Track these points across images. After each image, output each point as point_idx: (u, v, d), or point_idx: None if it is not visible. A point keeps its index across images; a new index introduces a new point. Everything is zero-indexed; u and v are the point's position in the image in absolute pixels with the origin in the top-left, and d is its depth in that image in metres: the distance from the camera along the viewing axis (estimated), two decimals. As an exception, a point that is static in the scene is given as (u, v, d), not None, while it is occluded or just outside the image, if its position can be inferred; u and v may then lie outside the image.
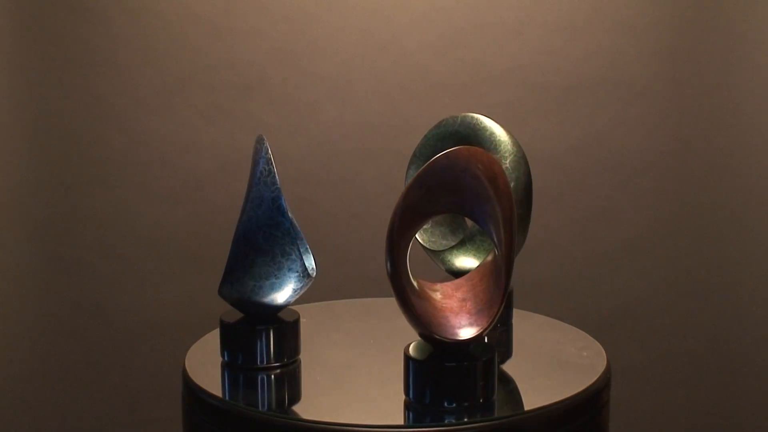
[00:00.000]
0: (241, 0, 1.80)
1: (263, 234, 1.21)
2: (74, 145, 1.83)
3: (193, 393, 1.21)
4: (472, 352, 1.14)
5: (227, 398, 1.21)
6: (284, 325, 1.27)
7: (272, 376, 1.26)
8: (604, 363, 1.28)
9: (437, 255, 1.38)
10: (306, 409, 1.18)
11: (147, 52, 1.80)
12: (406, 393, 1.14)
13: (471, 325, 1.13)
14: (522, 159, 1.34)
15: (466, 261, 1.37)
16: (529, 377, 1.30)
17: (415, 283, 1.16)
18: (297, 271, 1.22)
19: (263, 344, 1.26)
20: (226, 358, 1.28)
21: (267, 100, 1.82)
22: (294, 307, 1.33)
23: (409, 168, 1.41)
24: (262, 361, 1.26)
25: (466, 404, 1.12)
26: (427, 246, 1.40)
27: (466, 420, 1.10)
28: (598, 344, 1.36)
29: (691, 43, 1.83)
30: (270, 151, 1.22)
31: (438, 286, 1.19)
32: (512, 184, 1.31)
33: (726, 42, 1.82)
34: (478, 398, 1.12)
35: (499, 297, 1.12)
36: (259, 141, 1.23)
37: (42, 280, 1.86)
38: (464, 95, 1.83)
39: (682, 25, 1.82)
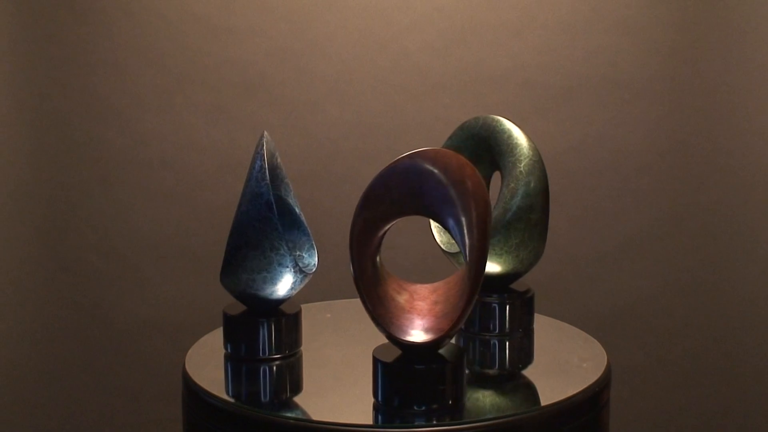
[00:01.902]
0: (241, 0, 1.80)
1: (253, 228, 1.23)
2: (74, 145, 1.83)
3: (193, 393, 1.21)
4: (444, 355, 1.13)
5: (229, 391, 1.23)
6: (283, 318, 1.28)
7: (266, 369, 1.27)
8: (604, 363, 1.28)
9: (455, 257, 1.37)
10: (287, 407, 1.18)
11: (147, 52, 1.81)
12: (375, 395, 1.14)
13: (433, 328, 1.12)
14: (538, 164, 1.32)
15: (491, 265, 1.35)
16: (529, 377, 1.30)
17: (388, 284, 1.16)
18: (287, 266, 1.24)
19: (262, 336, 1.28)
20: (228, 350, 1.29)
21: (267, 100, 1.82)
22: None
23: None
24: (262, 353, 1.28)
25: (435, 407, 1.11)
26: (445, 248, 1.39)
27: (434, 422, 1.10)
28: (598, 344, 1.36)
29: (690, 43, 1.83)
30: (265, 148, 1.24)
31: (416, 287, 1.19)
32: (529, 187, 1.30)
33: (726, 42, 1.82)
34: (446, 401, 1.12)
35: (462, 303, 1.11)
36: (260, 137, 1.25)
37: (42, 280, 1.86)
38: (464, 95, 1.83)
39: (681, 24, 1.82)
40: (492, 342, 1.36)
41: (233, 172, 1.81)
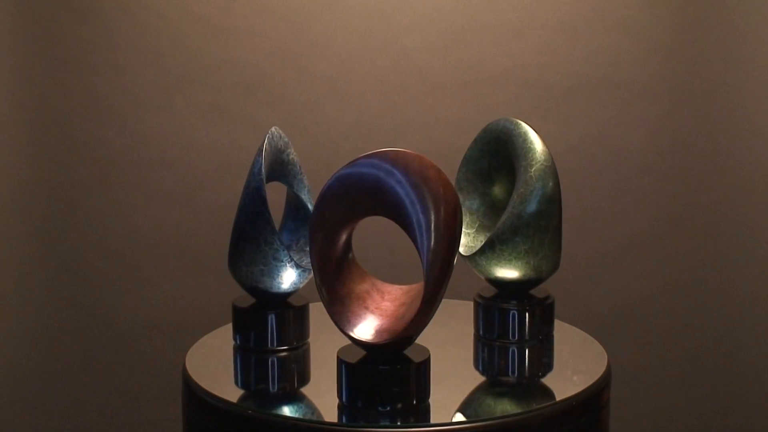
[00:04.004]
0: (241, 0, 1.80)
1: (249, 223, 1.26)
2: (74, 145, 1.83)
3: (193, 393, 1.21)
4: (409, 356, 1.13)
5: (238, 382, 1.25)
6: (290, 311, 1.31)
7: (270, 362, 1.30)
8: (604, 363, 1.28)
9: (472, 261, 1.35)
10: (283, 406, 1.19)
11: (147, 52, 1.81)
12: (339, 396, 1.14)
13: (387, 330, 1.12)
14: (549, 170, 1.30)
15: (497, 270, 1.34)
16: (530, 378, 1.30)
17: (357, 282, 1.16)
18: (282, 261, 1.26)
19: (269, 327, 1.30)
20: (237, 342, 1.32)
21: (267, 100, 1.82)
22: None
23: (459, 171, 1.40)
24: (269, 344, 1.31)
25: (399, 406, 1.11)
26: (463, 252, 1.37)
27: (399, 423, 1.10)
28: (598, 344, 1.36)
29: (690, 43, 1.83)
30: (265, 144, 1.27)
31: (392, 288, 1.19)
32: (538, 194, 1.28)
33: (726, 42, 1.82)
34: (411, 401, 1.12)
35: (415, 307, 1.10)
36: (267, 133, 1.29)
37: (42, 280, 1.86)
38: (464, 95, 1.83)
39: (681, 24, 1.82)
40: (500, 347, 1.35)
41: (233, 172, 1.81)
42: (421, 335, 1.36)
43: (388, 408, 1.11)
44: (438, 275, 1.07)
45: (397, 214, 1.10)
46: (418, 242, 1.08)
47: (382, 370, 1.11)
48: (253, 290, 1.30)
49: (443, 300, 1.56)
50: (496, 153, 1.37)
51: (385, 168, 1.08)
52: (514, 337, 1.34)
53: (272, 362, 1.30)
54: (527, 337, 1.34)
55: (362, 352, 1.14)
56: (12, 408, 1.86)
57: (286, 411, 1.17)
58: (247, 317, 1.31)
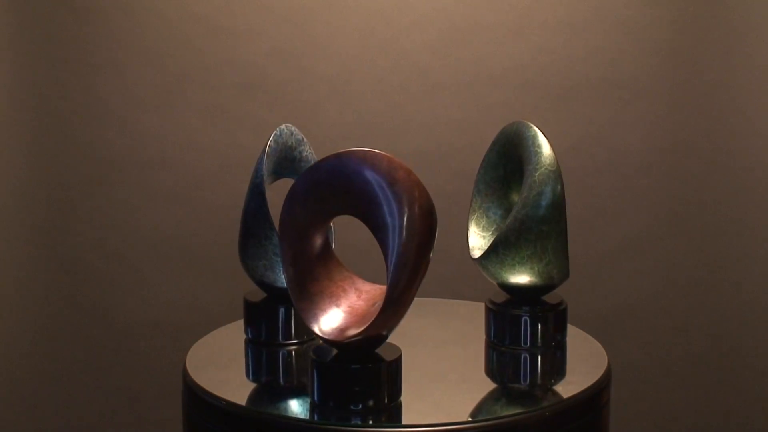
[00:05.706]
0: (241, 0, 1.80)
1: (252, 218, 1.29)
2: (74, 145, 1.83)
3: (193, 393, 1.21)
4: (380, 355, 1.13)
5: (250, 377, 1.27)
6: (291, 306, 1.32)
7: (273, 356, 1.32)
8: (604, 363, 1.28)
9: (481, 265, 1.33)
10: (284, 405, 1.19)
11: (147, 52, 1.81)
12: (311, 394, 1.14)
13: (351, 328, 1.12)
14: (553, 174, 1.28)
15: (504, 275, 1.32)
16: (530, 378, 1.30)
17: (334, 280, 1.16)
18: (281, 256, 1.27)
19: (276, 322, 1.32)
20: (248, 335, 1.35)
21: (267, 100, 1.82)
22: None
23: (477, 173, 1.40)
24: (277, 338, 1.33)
25: (371, 405, 1.11)
26: (473, 255, 1.36)
27: (371, 422, 1.10)
28: (598, 344, 1.36)
29: (690, 43, 1.83)
30: (270, 140, 1.30)
31: (373, 288, 1.18)
32: (541, 198, 1.27)
33: (726, 42, 1.82)
34: (382, 400, 1.12)
35: (378, 308, 1.09)
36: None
37: (42, 280, 1.86)
38: (464, 95, 1.83)
39: (681, 24, 1.82)
40: (503, 351, 1.34)
41: (233, 172, 1.82)
42: (420, 336, 1.36)
43: (360, 407, 1.11)
44: (409, 277, 1.06)
45: (368, 213, 1.09)
46: (389, 242, 1.07)
47: (351, 368, 1.11)
48: (261, 284, 1.33)
49: (453, 301, 1.58)
50: (511, 156, 1.37)
51: (354, 167, 1.08)
52: (525, 344, 1.32)
53: (281, 356, 1.32)
54: (539, 344, 1.32)
55: (335, 351, 1.14)
56: (12, 408, 1.86)
57: (271, 407, 1.17)
58: (257, 311, 1.33)
